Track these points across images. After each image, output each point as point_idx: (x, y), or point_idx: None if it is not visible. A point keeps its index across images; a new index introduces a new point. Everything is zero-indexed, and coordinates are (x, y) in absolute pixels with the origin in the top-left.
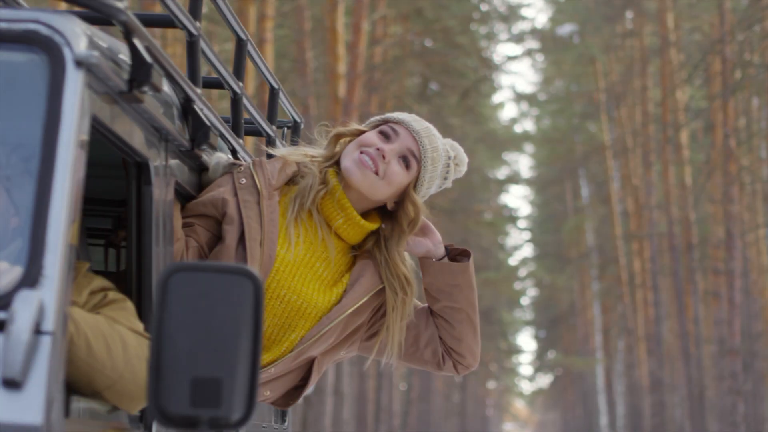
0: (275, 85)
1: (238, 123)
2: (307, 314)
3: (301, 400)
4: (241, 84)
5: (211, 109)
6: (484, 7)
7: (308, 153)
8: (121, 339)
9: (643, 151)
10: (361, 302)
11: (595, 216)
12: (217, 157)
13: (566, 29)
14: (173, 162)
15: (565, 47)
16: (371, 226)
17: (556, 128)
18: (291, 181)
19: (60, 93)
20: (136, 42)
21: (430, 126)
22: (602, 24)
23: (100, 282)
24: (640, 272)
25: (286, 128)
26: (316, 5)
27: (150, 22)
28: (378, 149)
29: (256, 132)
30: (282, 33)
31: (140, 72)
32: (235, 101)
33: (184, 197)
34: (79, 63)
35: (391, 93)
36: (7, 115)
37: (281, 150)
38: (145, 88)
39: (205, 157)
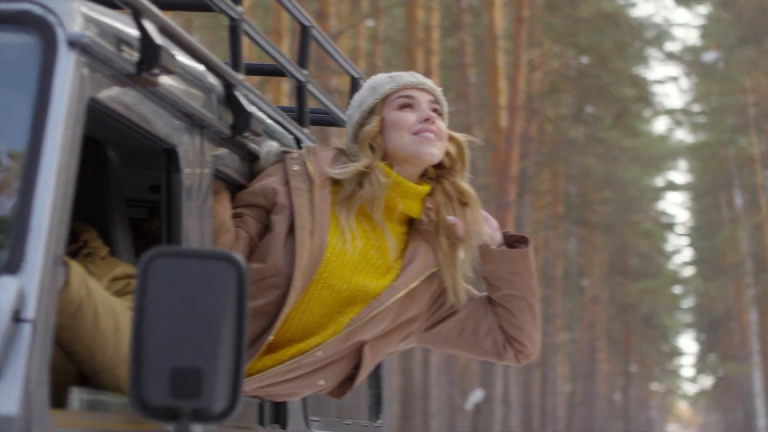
0: (355, 75)
1: (302, 112)
2: (357, 301)
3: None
4: (305, 72)
5: (260, 96)
6: (636, 32)
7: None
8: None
9: None
10: (413, 285)
11: (749, 224)
12: (268, 146)
13: (711, 56)
14: (213, 150)
15: (710, 72)
16: (427, 188)
17: (707, 143)
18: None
19: (51, 74)
20: (145, 23)
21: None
22: (746, 47)
23: (124, 268)
24: None
25: None
26: (478, 39)
27: (181, 6)
28: (424, 120)
29: (332, 122)
30: (450, 44)
31: (148, 54)
32: (299, 89)
33: (234, 186)
34: (73, 43)
35: (548, 117)
36: (2, 99)
37: None
38: (156, 71)
39: (254, 145)
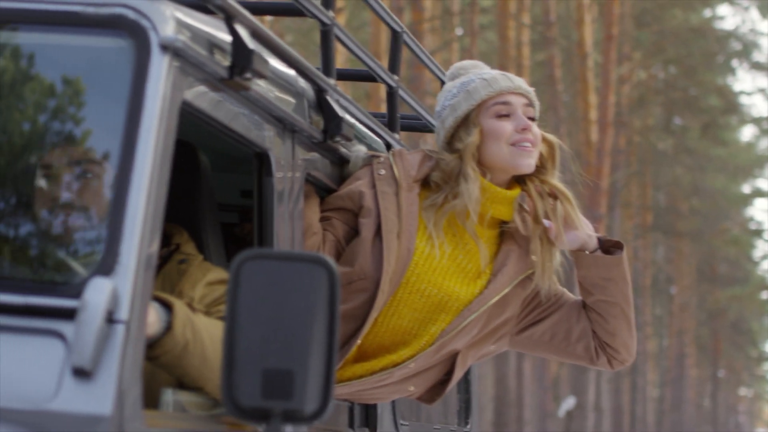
0: (446, 80)
1: (393, 117)
2: (448, 307)
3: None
4: (396, 77)
5: (351, 101)
6: (722, 43)
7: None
8: None
9: None
10: (504, 292)
11: None
12: (356, 150)
13: None
14: (305, 154)
15: None
16: (517, 191)
17: None
18: (430, 175)
19: (144, 77)
20: (237, 27)
21: (499, 72)
22: None
23: (217, 274)
24: None
25: None
26: (566, 51)
27: (273, 10)
28: (522, 129)
29: (425, 127)
30: (539, 58)
31: (240, 58)
32: (390, 95)
33: (324, 190)
34: (165, 47)
35: (636, 129)
36: (95, 100)
37: None
38: (248, 75)
39: (344, 149)
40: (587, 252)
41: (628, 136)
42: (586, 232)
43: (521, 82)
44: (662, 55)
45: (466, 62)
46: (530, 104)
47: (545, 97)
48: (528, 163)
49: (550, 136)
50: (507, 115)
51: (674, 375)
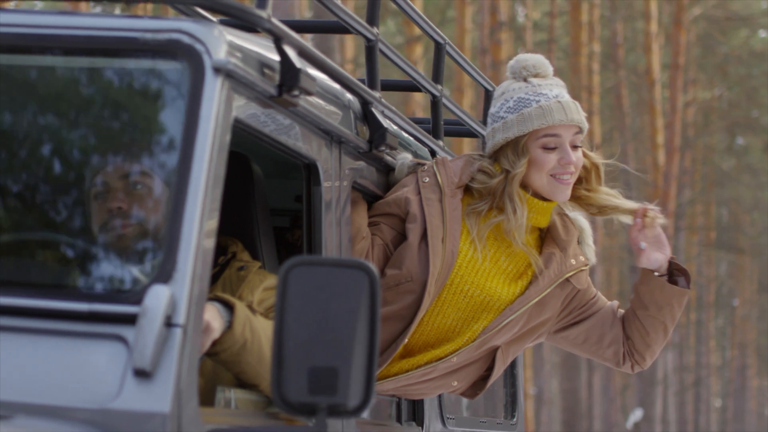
0: (488, 87)
1: (437, 125)
2: (490, 307)
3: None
4: (439, 87)
5: (395, 111)
6: None
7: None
8: None
9: None
10: (545, 293)
11: None
12: (402, 158)
13: None
14: (352, 164)
15: None
16: (554, 203)
17: None
18: (473, 180)
19: (199, 98)
20: (285, 48)
21: (561, 92)
22: None
23: (274, 280)
24: None
25: None
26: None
27: (320, 28)
28: (564, 163)
29: (468, 133)
30: (608, 84)
31: (289, 77)
32: (434, 104)
33: (372, 197)
34: (218, 69)
35: (700, 152)
36: (154, 119)
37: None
38: (296, 92)
39: (389, 158)
40: (657, 274)
41: (693, 156)
42: (665, 257)
43: (574, 113)
44: (725, 77)
45: (529, 58)
46: (580, 131)
47: (611, 119)
48: (564, 195)
49: (592, 155)
50: (555, 148)
51: (736, 386)
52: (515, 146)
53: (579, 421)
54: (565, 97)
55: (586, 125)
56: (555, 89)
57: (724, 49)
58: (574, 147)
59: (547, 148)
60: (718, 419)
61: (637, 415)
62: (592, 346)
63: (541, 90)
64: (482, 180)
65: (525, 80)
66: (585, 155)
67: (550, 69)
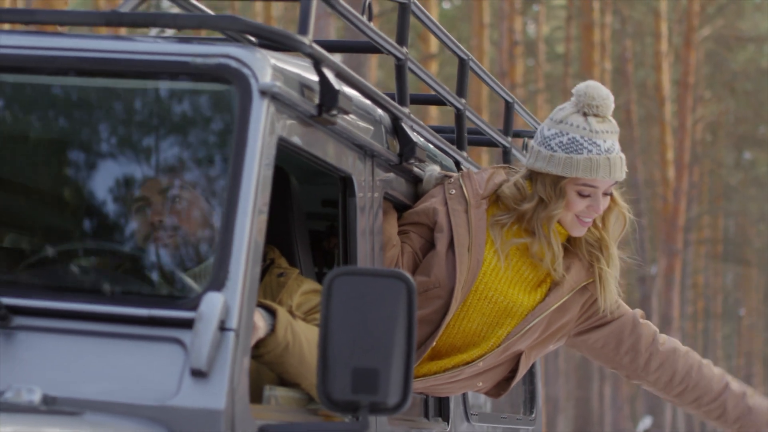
0: (509, 99)
1: (461, 136)
2: (513, 313)
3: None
4: (463, 101)
5: (423, 125)
6: None
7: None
8: None
9: None
10: (564, 299)
11: None
12: (430, 170)
13: None
14: (383, 176)
15: None
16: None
17: None
18: (502, 193)
19: (247, 119)
20: (325, 70)
21: (612, 144)
22: None
23: (310, 284)
24: None
25: (526, 138)
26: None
27: (353, 48)
28: (592, 210)
29: (489, 143)
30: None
31: (327, 98)
32: (459, 116)
33: (401, 207)
34: (264, 92)
35: (708, 167)
36: (205, 139)
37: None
38: (334, 112)
39: (417, 169)
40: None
41: (701, 170)
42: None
43: (618, 170)
44: (732, 93)
45: (596, 95)
46: (616, 182)
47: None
48: (580, 232)
49: (622, 207)
50: (589, 196)
51: None
52: (554, 182)
53: (590, 429)
54: (614, 151)
55: (623, 178)
56: (609, 140)
57: (732, 66)
58: (605, 194)
59: (582, 195)
60: None
61: (646, 422)
62: (609, 352)
63: (595, 139)
64: (513, 196)
65: (585, 116)
66: (613, 201)
67: (611, 108)
